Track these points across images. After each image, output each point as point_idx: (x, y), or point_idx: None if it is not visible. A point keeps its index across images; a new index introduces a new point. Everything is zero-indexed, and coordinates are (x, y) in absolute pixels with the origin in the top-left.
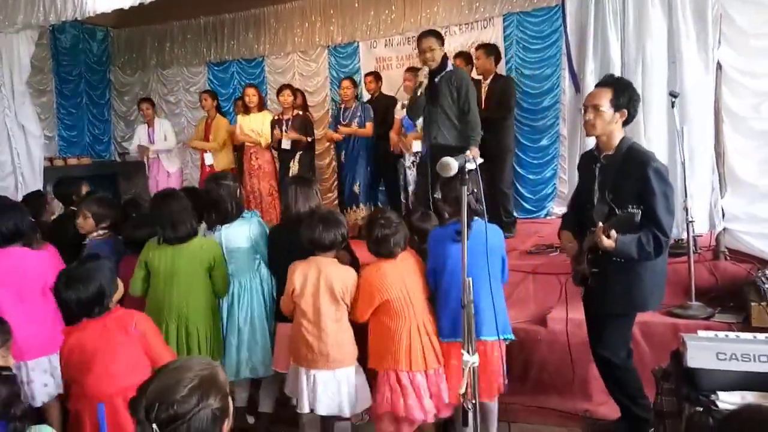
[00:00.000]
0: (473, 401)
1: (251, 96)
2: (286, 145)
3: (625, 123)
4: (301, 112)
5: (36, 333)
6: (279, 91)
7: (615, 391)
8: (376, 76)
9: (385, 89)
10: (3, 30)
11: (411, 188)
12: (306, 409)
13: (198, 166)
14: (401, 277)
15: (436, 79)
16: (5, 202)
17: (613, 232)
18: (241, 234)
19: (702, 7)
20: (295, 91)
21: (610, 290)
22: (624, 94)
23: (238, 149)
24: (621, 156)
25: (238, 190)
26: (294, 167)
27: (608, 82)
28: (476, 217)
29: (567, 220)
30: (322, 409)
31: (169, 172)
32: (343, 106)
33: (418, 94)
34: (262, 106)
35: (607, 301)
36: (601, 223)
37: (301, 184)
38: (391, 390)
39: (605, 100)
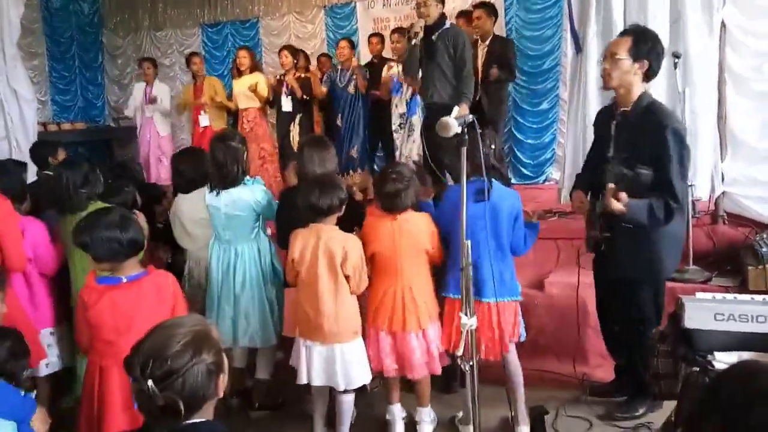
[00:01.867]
0: (471, 363)
1: (242, 58)
2: (286, 106)
3: (647, 77)
4: (303, 75)
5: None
6: (279, 53)
7: (630, 359)
8: (381, 38)
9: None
10: None
11: (398, 152)
12: (304, 380)
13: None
14: (393, 235)
15: (433, 37)
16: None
17: (623, 195)
18: (242, 200)
19: None
20: (295, 52)
21: (623, 255)
22: (645, 44)
23: (233, 114)
24: (639, 113)
25: (245, 154)
26: (294, 130)
27: (629, 30)
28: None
29: (580, 179)
30: (316, 380)
31: (160, 135)
32: (340, 67)
33: (413, 44)
34: (254, 67)
35: (620, 266)
36: (611, 185)
37: (317, 145)
38: (373, 347)
39: (624, 48)
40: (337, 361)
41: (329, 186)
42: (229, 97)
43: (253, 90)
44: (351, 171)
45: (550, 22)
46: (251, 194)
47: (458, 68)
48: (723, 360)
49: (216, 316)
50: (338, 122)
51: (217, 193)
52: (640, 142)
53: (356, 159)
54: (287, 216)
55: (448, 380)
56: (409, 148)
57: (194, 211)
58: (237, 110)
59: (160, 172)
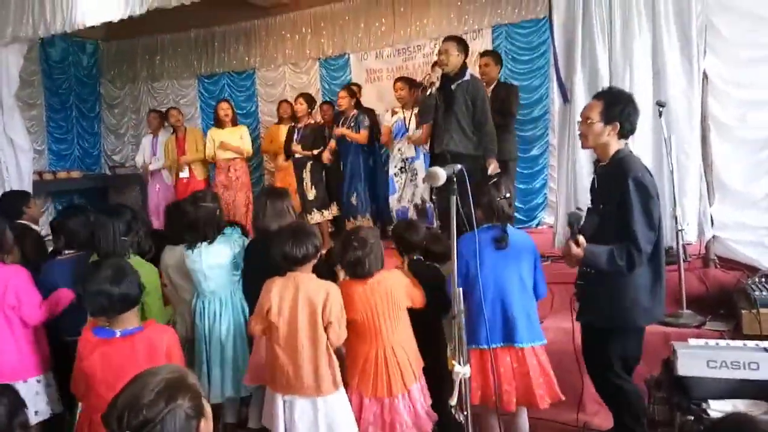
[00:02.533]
0: (465, 413)
1: (225, 110)
2: (299, 154)
3: (623, 136)
4: (315, 122)
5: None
6: (295, 100)
7: (616, 409)
8: (359, 87)
9: (374, 100)
10: None
11: (396, 195)
12: None
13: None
14: (369, 300)
15: (453, 86)
16: None
17: (582, 240)
18: (221, 251)
19: (686, 18)
20: (311, 100)
21: (592, 302)
22: (616, 107)
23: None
24: (610, 167)
25: (218, 211)
26: (307, 177)
27: (600, 94)
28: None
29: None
30: None
31: (168, 184)
32: (342, 117)
33: (428, 94)
34: (235, 120)
35: (588, 312)
36: (567, 231)
37: (271, 196)
38: (356, 413)
39: (595, 112)
40: (320, 415)
41: (304, 234)
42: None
43: (235, 148)
44: (352, 218)
45: (538, 72)
46: (229, 244)
47: (479, 122)
48: (717, 408)
49: (206, 368)
50: (342, 169)
51: (193, 250)
52: (610, 194)
53: (356, 206)
54: (255, 266)
55: None
56: (411, 192)
57: (181, 262)
58: (213, 160)
59: None
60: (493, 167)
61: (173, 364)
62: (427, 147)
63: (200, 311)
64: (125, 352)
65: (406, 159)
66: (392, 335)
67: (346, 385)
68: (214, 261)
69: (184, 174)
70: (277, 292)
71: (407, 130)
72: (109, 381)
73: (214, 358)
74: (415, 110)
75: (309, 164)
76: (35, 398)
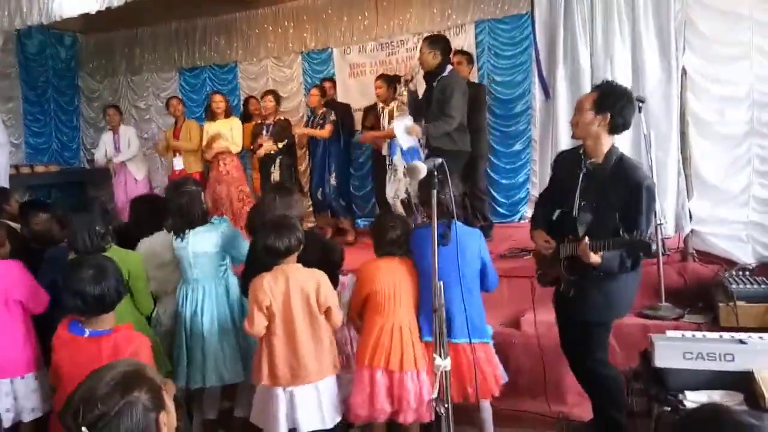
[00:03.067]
0: (446, 405)
1: (218, 102)
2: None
3: (613, 130)
4: (282, 118)
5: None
6: (262, 97)
7: (600, 399)
8: (333, 83)
9: (357, 95)
10: None
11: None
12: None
13: (166, 172)
14: (393, 275)
15: (434, 84)
16: None
17: (586, 241)
18: (208, 239)
19: (665, 15)
20: (278, 98)
21: (590, 299)
22: (608, 98)
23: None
24: (610, 167)
25: (201, 194)
26: (275, 173)
27: (597, 85)
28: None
29: (538, 218)
30: (305, 427)
31: (136, 179)
32: (313, 115)
33: (411, 90)
34: (229, 112)
35: (587, 309)
36: (586, 240)
37: (280, 192)
38: (366, 389)
39: (589, 101)
40: (323, 397)
41: (286, 227)
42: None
43: (220, 148)
44: (322, 212)
45: (520, 67)
46: (217, 232)
47: (443, 109)
48: (693, 399)
49: (185, 357)
50: (311, 165)
51: (182, 237)
52: (611, 195)
53: (321, 200)
54: (255, 260)
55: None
56: (395, 187)
57: (158, 253)
58: (208, 155)
59: None
60: (412, 129)
61: (130, 358)
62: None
63: (183, 298)
64: (91, 353)
65: (386, 156)
66: (409, 313)
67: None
68: (201, 249)
69: (179, 165)
70: (268, 287)
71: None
72: (74, 378)
73: (196, 345)
74: (392, 105)
75: (278, 159)
76: (32, 395)
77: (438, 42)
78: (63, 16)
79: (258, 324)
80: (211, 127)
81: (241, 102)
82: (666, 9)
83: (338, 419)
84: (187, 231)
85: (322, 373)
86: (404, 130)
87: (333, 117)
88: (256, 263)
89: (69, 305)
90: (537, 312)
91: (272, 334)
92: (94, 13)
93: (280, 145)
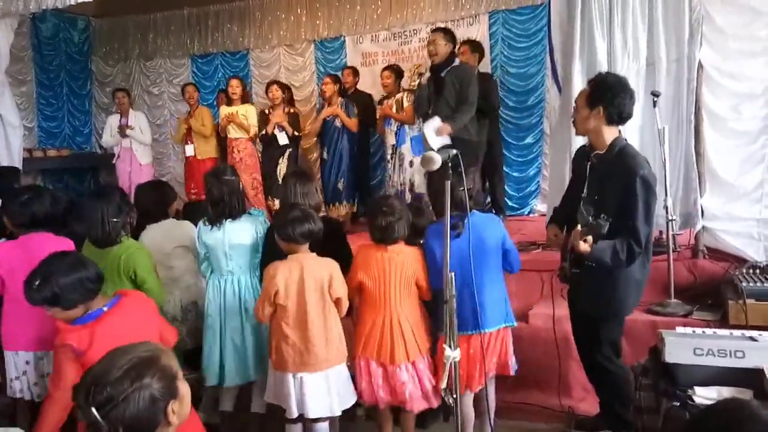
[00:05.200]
0: (454, 396)
1: (235, 87)
2: (283, 140)
3: (613, 122)
4: (291, 110)
5: (37, 326)
6: (267, 87)
7: (605, 393)
8: (354, 71)
9: (369, 84)
10: None
11: (389, 181)
12: (295, 415)
13: (181, 158)
14: (386, 267)
15: (443, 74)
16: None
17: (589, 237)
18: (245, 231)
19: (683, 9)
20: (283, 87)
21: (587, 292)
22: (600, 92)
23: (221, 141)
24: (611, 158)
25: (240, 184)
26: (282, 164)
27: (591, 80)
28: (473, 210)
29: (556, 214)
30: (313, 413)
31: (141, 164)
32: (327, 103)
33: (418, 85)
34: (246, 98)
35: (584, 302)
36: (579, 227)
37: (301, 179)
38: (365, 377)
39: (582, 97)
40: (332, 384)
41: (302, 216)
42: (217, 125)
43: (240, 123)
44: (337, 203)
45: (534, 60)
46: (254, 224)
47: (462, 100)
48: (703, 395)
49: (219, 350)
50: (324, 155)
51: (218, 227)
52: (609, 186)
53: (342, 191)
54: (271, 251)
55: (424, 416)
56: (403, 177)
57: (158, 242)
58: (225, 139)
59: None
60: (443, 129)
61: (151, 342)
62: (416, 130)
63: (215, 289)
64: (122, 319)
65: (393, 145)
66: (400, 306)
67: (353, 353)
68: (237, 240)
69: (189, 152)
70: (282, 276)
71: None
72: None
73: (234, 339)
74: (398, 96)
75: (288, 151)
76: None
77: (450, 33)
78: (77, 0)
79: (261, 310)
80: (225, 111)
81: (253, 90)
82: (684, 3)
83: (347, 406)
84: (223, 221)
85: (332, 362)
86: (434, 132)
87: (356, 110)
88: (273, 251)
89: (75, 296)
90: (545, 306)
91: (283, 322)
92: None
93: (296, 133)
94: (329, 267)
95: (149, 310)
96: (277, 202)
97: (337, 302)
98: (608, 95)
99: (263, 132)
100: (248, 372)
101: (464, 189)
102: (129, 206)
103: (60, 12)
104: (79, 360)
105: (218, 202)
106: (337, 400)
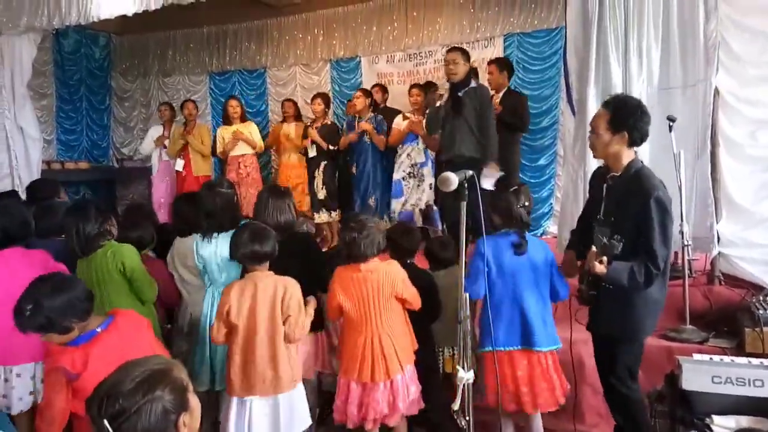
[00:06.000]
0: (467, 418)
1: (235, 107)
2: (311, 152)
3: (633, 144)
4: (330, 121)
5: (25, 338)
6: (312, 99)
7: (620, 417)
8: (383, 88)
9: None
10: (6, 32)
11: (401, 199)
12: None
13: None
14: (362, 288)
15: (460, 93)
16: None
17: (604, 258)
18: None
19: (699, 35)
20: (328, 100)
21: (605, 313)
22: (623, 116)
23: (220, 159)
24: (627, 179)
25: (235, 198)
26: (318, 178)
27: (607, 102)
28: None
29: (573, 238)
30: None
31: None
32: (358, 116)
33: (437, 105)
34: (244, 117)
35: (602, 323)
36: (594, 248)
37: (273, 194)
38: (341, 396)
39: (603, 121)
40: (281, 411)
41: (262, 235)
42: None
43: (246, 139)
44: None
45: (548, 82)
46: None
47: (483, 126)
48: (721, 424)
49: (209, 361)
50: (353, 170)
51: (210, 240)
52: (625, 208)
53: (373, 207)
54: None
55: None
56: (418, 197)
57: (182, 253)
58: (225, 157)
59: None
60: (492, 169)
61: (161, 356)
62: (434, 155)
63: (210, 301)
64: (117, 338)
65: (416, 164)
66: (381, 325)
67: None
68: (227, 253)
69: (178, 167)
70: (235, 294)
71: (417, 135)
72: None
73: (219, 349)
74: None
75: (323, 164)
76: (38, 385)
77: (466, 53)
78: (101, 17)
79: (216, 332)
80: (226, 132)
81: (269, 107)
82: (700, 29)
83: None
84: (216, 234)
85: (280, 387)
86: (490, 179)
87: (385, 127)
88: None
89: (67, 319)
90: (558, 329)
91: (233, 343)
92: (131, 15)
93: (332, 147)
94: (284, 285)
95: (143, 329)
96: (320, 215)
97: (285, 321)
98: (630, 120)
99: (304, 147)
100: None
101: (523, 206)
102: (105, 217)
103: (82, 28)
104: (72, 384)
105: (212, 215)
106: (285, 426)
